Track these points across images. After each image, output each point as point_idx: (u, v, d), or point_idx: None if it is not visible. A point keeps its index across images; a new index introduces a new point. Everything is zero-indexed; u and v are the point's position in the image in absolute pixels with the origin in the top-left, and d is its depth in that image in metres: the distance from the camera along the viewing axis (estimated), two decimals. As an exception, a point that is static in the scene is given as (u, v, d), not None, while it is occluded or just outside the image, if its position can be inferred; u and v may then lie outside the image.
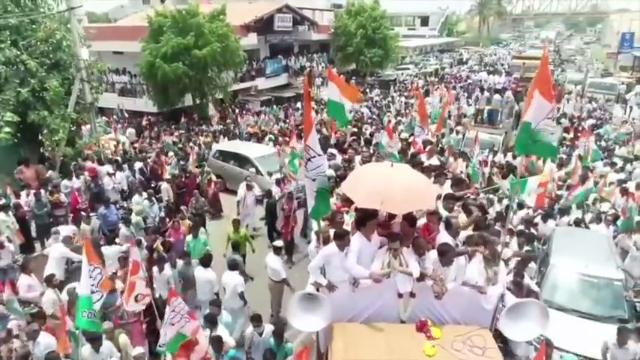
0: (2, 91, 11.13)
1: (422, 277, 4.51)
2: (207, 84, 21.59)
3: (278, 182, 11.58)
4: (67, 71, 12.77)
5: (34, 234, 10.32)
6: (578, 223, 9.53)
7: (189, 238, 8.65)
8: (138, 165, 13.22)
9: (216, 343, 5.62)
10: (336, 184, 8.84)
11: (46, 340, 5.80)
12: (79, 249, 7.67)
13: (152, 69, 19.64)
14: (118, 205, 10.99)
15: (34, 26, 12.27)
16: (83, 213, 10.13)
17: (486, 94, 19.99)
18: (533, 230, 9.01)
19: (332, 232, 5.12)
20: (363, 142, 15.25)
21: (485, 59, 51.21)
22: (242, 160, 13.68)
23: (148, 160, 13.80)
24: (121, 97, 23.61)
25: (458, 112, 21.67)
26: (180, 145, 16.64)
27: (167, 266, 7.40)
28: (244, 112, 24.08)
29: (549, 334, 5.51)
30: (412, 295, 4.54)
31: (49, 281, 6.80)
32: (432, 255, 4.64)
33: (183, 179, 12.27)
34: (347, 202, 6.44)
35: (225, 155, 14.31)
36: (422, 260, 4.63)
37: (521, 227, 8.86)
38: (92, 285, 5.46)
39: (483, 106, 18.38)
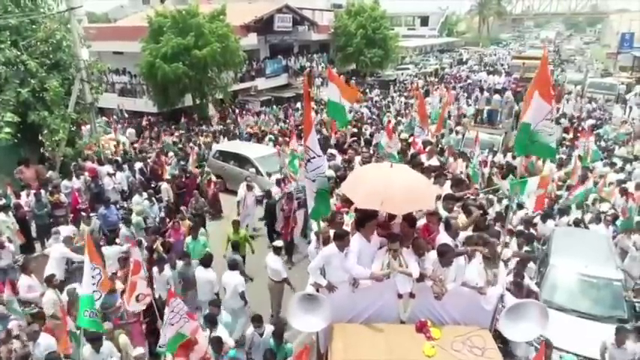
0: (2, 92, 11.13)
1: (421, 278, 4.52)
2: (207, 84, 21.59)
3: (278, 183, 11.59)
4: (67, 71, 12.77)
5: (34, 234, 10.32)
6: (577, 223, 9.56)
7: (188, 239, 8.62)
8: (138, 165, 13.21)
9: (216, 343, 5.62)
10: (336, 185, 8.82)
11: (46, 341, 5.80)
12: (80, 249, 7.71)
13: (152, 69, 19.64)
14: (118, 206, 11.01)
15: (34, 26, 12.26)
16: (83, 213, 10.11)
17: (486, 94, 19.96)
18: (532, 230, 9.02)
19: (332, 232, 5.12)
20: (362, 143, 15.22)
21: (485, 59, 51.15)
22: (242, 161, 13.68)
23: (148, 161, 13.80)
24: (121, 97, 23.60)
25: (458, 112, 21.64)
26: (180, 146, 16.63)
27: (167, 267, 7.41)
28: (244, 112, 24.06)
29: (549, 334, 5.52)
30: (412, 295, 4.55)
31: (50, 281, 6.81)
32: (432, 255, 4.64)
33: (183, 179, 12.28)
34: (347, 202, 6.42)
35: (225, 155, 14.31)
36: (422, 261, 4.64)
37: (520, 227, 8.87)
38: (93, 284, 5.46)
39: (483, 107, 18.38)
